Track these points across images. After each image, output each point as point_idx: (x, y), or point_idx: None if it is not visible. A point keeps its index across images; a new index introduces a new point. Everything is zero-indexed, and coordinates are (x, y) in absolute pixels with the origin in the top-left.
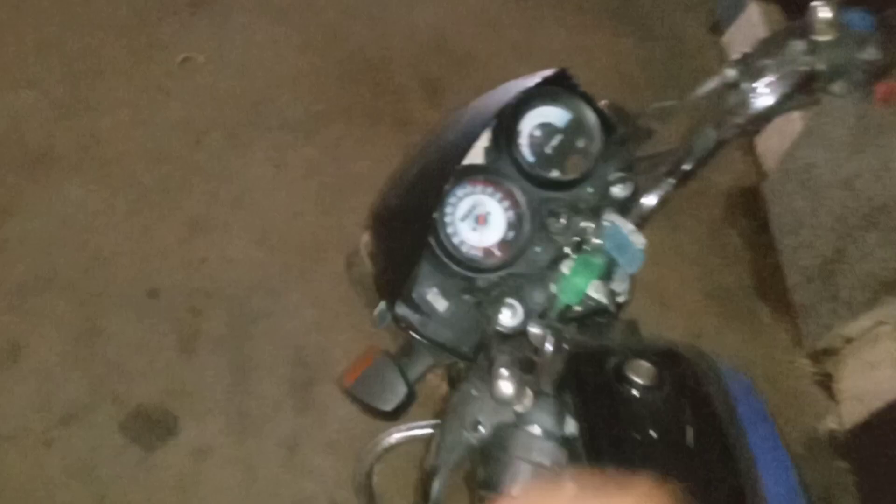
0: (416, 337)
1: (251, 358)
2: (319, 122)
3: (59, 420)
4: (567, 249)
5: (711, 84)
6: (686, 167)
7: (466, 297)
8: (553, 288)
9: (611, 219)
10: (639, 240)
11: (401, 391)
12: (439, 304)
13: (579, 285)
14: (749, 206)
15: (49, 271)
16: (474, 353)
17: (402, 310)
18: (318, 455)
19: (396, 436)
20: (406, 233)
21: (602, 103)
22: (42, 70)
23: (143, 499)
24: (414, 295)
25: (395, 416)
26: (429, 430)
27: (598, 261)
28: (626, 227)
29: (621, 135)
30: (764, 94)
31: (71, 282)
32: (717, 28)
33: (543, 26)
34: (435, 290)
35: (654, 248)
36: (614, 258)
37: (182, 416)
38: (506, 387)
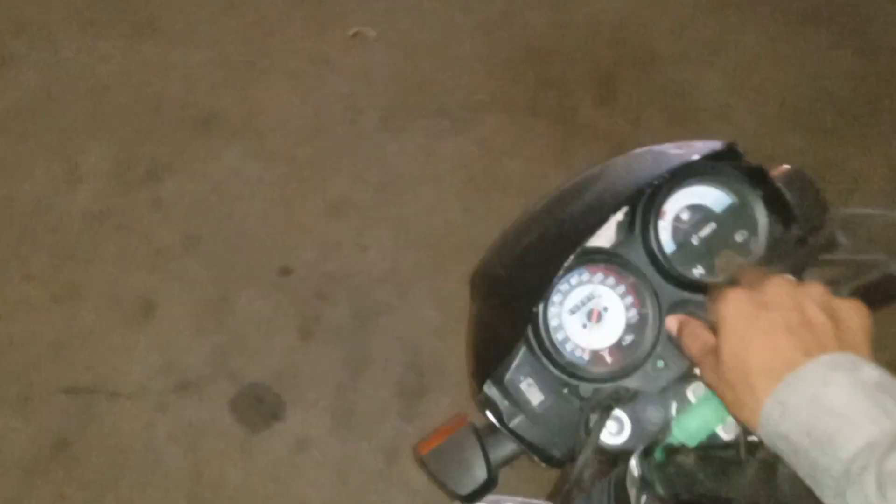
0: (500, 428)
1: (367, 353)
2: (478, 111)
3: (175, 386)
4: (698, 371)
5: None
6: (870, 297)
7: (567, 393)
8: (673, 411)
9: None
10: None
11: (479, 476)
12: (534, 396)
13: (703, 424)
14: None
15: (194, 235)
16: (564, 461)
17: (490, 392)
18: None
19: None
20: (505, 313)
21: (781, 170)
22: (219, 32)
23: (238, 480)
24: (506, 379)
25: (469, 500)
26: None
27: None
28: None
29: (799, 234)
30: None
31: (212, 249)
32: None
33: (739, 29)
34: (531, 380)
35: None
36: None
37: (290, 403)
38: None
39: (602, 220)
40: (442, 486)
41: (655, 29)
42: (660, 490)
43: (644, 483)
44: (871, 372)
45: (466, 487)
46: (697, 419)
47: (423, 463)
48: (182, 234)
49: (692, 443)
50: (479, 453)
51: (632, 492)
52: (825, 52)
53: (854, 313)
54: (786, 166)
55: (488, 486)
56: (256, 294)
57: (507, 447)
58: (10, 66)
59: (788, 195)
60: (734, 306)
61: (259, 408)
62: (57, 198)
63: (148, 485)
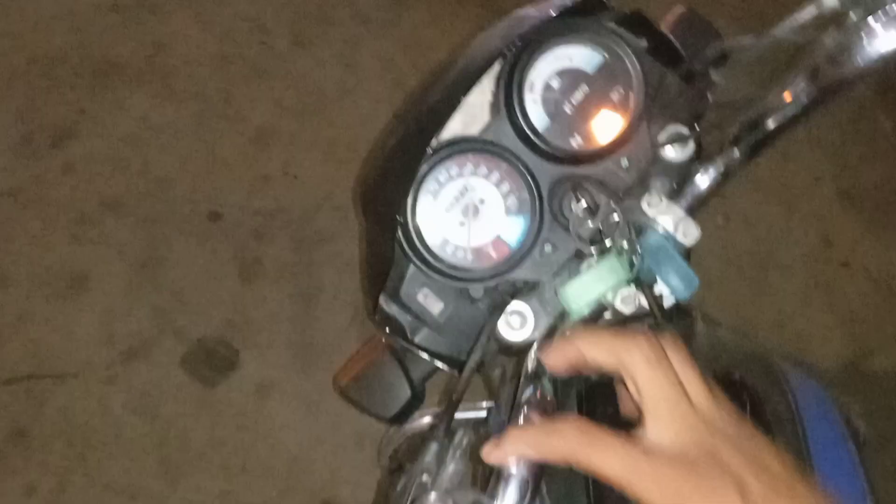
0: (406, 345)
1: (315, 285)
2: (395, 9)
3: (121, 356)
4: (589, 248)
5: (805, 15)
6: (761, 133)
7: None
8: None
9: (653, 213)
10: (691, 232)
11: (403, 395)
12: (433, 305)
13: (585, 293)
14: None
15: (112, 196)
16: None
17: (390, 309)
18: None
19: (423, 421)
20: (379, 224)
21: (674, 13)
22: None
23: (206, 436)
24: (402, 293)
25: (397, 421)
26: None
27: (625, 266)
28: (676, 213)
29: (688, 70)
30: (883, 37)
31: (134, 207)
32: None
33: None
34: (426, 290)
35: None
36: (654, 271)
37: (243, 350)
38: None
39: (453, 106)
40: (367, 412)
41: None
42: (547, 384)
43: (535, 377)
44: None
45: (391, 409)
46: (578, 285)
47: (343, 393)
48: (99, 196)
49: (580, 311)
50: (399, 373)
51: (527, 390)
52: None
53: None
54: (679, 9)
55: (413, 403)
56: (188, 245)
57: (427, 362)
58: None
59: (675, 37)
60: (680, 422)
61: (212, 361)
62: None
63: (115, 458)
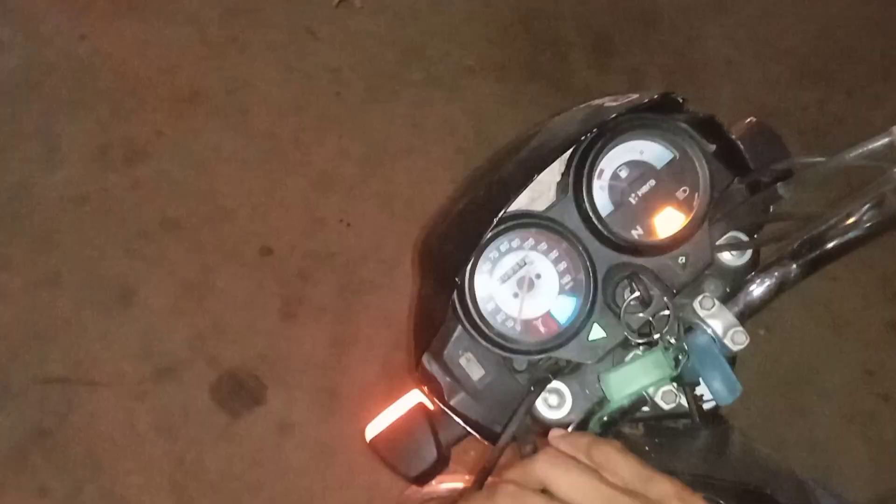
0: (441, 407)
1: (351, 333)
2: (467, 78)
3: (154, 373)
4: (636, 338)
5: (876, 143)
6: (821, 251)
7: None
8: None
9: (704, 314)
10: (739, 339)
11: (428, 457)
12: (474, 371)
13: (629, 380)
14: None
15: (173, 217)
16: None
17: (431, 367)
18: None
19: (441, 487)
20: (435, 285)
21: (745, 123)
22: (199, 7)
23: (220, 466)
24: (445, 354)
25: (420, 482)
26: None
27: (670, 363)
28: (727, 318)
29: (754, 180)
30: None
31: (191, 230)
32: None
33: None
34: (469, 355)
35: None
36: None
37: (271, 386)
38: None
39: (526, 181)
40: (391, 468)
41: None
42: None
43: None
44: None
45: (416, 469)
46: (622, 375)
47: (371, 446)
48: (161, 216)
49: (618, 400)
50: (429, 434)
51: None
52: (839, 0)
53: None
54: (751, 119)
55: (439, 466)
56: (237, 275)
57: (458, 426)
58: None
59: (744, 146)
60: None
61: (240, 392)
62: (34, 183)
63: (130, 473)
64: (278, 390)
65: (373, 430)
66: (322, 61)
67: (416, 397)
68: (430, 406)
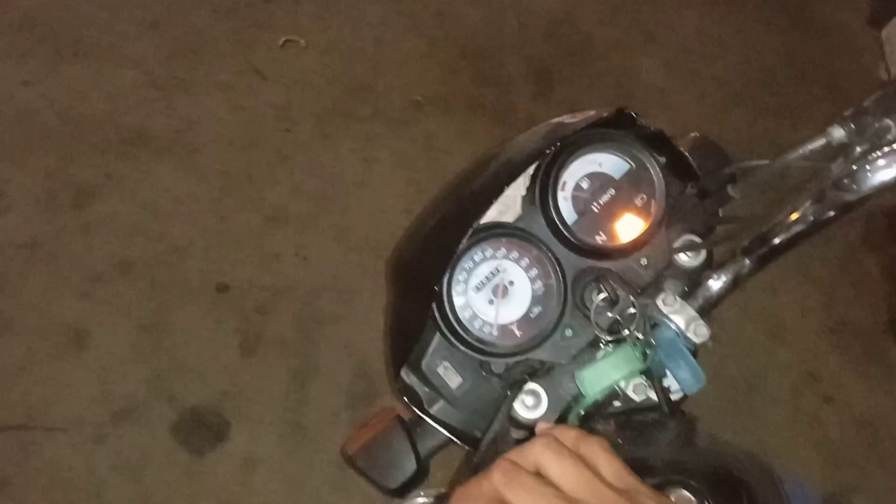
0: (421, 416)
1: (312, 365)
2: (415, 112)
3: (113, 416)
4: (606, 336)
5: (813, 144)
6: (770, 246)
7: (486, 375)
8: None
9: (668, 311)
10: (701, 332)
11: (408, 468)
12: (452, 379)
13: (602, 375)
14: (893, 229)
15: (125, 259)
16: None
17: (409, 379)
18: None
19: (418, 501)
20: (411, 297)
21: (690, 137)
22: (146, 49)
23: None
24: (423, 365)
25: (400, 494)
26: None
27: (639, 357)
28: (688, 313)
29: (703, 186)
30: (883, 167)
31: (145, 271)
32: (876, 20)
33: (676, 11)
34: (446, 364)
35: (771, 267)
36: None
37: (235, 422)
38: None
39: (496, 194)
40: (371, 481)
41: (588, 18)
42: None
43: None
44: None
45: (396, 480)
46: (595, 371)
47: (350, 462)
48: (114, 258)
49: (592, 395)
50: (407, 445)
51: None
52: (759, 30)
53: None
54: (694, 133)
55: (419, 476)
56: (194, 314)
57: (435, 437)
58: None
59: (691, 157)
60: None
61: (202, 430)
62: None
63: None
64: (242, 426)
65: (351, 445)
66: (270, 100)
67: (392, 412)
68: (407, 419)
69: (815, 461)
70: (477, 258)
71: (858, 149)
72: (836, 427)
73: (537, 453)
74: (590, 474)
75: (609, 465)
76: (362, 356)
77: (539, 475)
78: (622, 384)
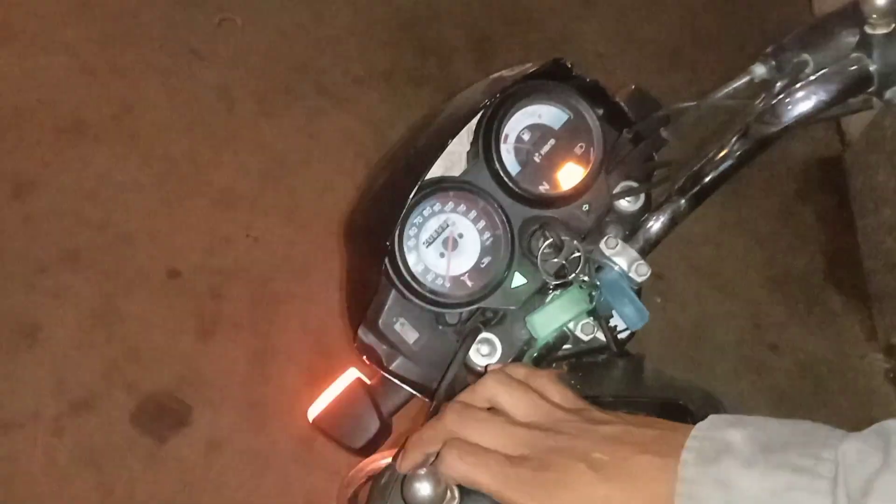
0: (381, 372)
1: (271, 345)
2: (358, 87)
3: (70, 407)
4: (553, 281)
5: (737, 83)
6: (702, 184)
7: (441, 328)
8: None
9: (610, 253)
10: (642, 271)
11: (372, 426)
12: (409, 335)
13: (551, 321)
14: (828, 179)
15: (70, 249)
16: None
17: (367, 338)
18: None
19: (382, 462)
20: (364, 255)
21: (627, 89)
22: (77, 34)
23: (152, 492)
24: (380, 322)
25: (366, 452)
26: None
27: (585, 299)
28: (630, 255)
29: (637, 132)
30: (802, 99)
31: (92, 260)
32: None
33: None
34: (402, 320)
35: (714, 223)
36: (610, 303)
37: (196, 406)
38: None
39: (440, 149)
40: (337, 442)
41: None
42: None
43: None
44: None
45: (361, 440)
46: (544, 314)
47: (314, 424)
48: (58, 248)
49: (543, 337)
50: (369, 404)
51: None
52: None
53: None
54: (630, 85)
55: (382, 434)
56: (146, 300)
57: (398, 393)
58: None
59: (626, 106)
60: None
61: (163, 416)
62: None
63: None
64: (203, 409)
65: (314, 409)
66: (209, 80)
67: (353, 374)
68: (368, 381)
69: (764, 407)
70: (426, 213)
71: (779, 84)
72: (781, 373)
73: (488, 387)
74: (541, 400)
75: (559, 393)
76: (319, 333)
77: (491, 409)
78: (571, 325)
